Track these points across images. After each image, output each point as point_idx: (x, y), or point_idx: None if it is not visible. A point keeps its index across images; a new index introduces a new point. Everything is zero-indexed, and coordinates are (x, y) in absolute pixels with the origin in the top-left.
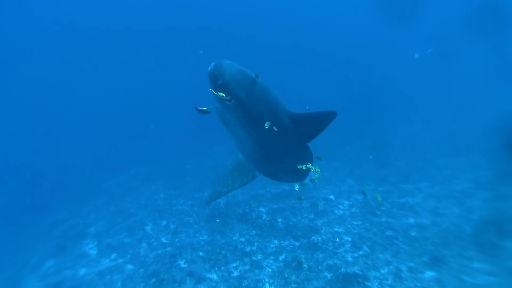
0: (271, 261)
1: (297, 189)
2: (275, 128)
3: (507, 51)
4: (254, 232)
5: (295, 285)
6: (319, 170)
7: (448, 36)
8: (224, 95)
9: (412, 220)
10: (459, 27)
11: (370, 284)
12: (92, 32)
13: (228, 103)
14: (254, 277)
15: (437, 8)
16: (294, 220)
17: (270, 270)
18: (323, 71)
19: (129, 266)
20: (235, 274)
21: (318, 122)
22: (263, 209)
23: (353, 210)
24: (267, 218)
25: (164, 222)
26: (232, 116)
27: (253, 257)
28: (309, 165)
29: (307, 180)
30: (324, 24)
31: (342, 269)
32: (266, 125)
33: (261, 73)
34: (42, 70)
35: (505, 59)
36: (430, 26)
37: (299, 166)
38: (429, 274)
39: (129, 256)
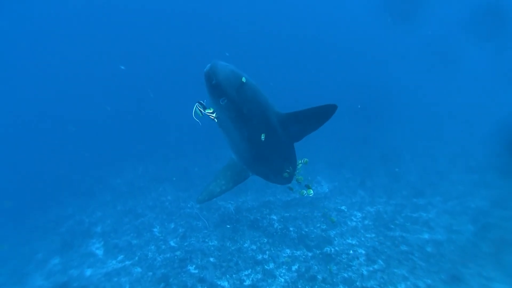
0: (283, 271)
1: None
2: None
3: (508, 54)
4: (266, 240)
5: None
6: (301, 165)
7: (450, 39)
8: (212, 112)
9: (426, 236)
10: (460, 29)
11: None
12: (102, 29)
13: (221, 103)
14: (267, 287)
15: (439, 11)
16: (307, 229)
17: (283, 280)
18: (329, 75)
19: (137, 269)
20: (247, 282)
21: (314, 118)
22: (274, 217)
23: (366, 222)
24: (279, 226)
25: (172, 225)
26: (225, 116)
27: (265, 266)
28: (289, 172)
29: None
30: (328, 27)
31: (358, 283)
32: (262, 137)
33: (262, 77)
34: (50, 67)
35: (507, 62)
36: (432, 29)
37: (285, 175)
38: None
39: (137, 258)
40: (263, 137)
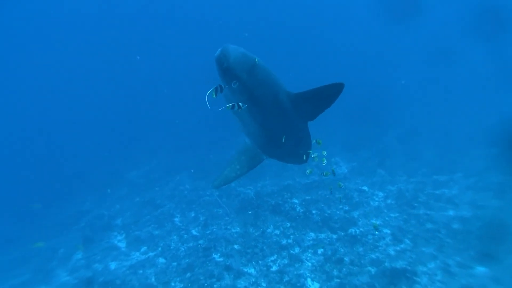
0: (309, 255)
1: (308, 173)
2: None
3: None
4: (289, 224)
5: (338, 280)
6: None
7: (448, 38)
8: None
9: (451, 213)
10: (459, 29)
11: (419, 279)
12: (118, 23)
13: (233, 86)
14: (295, 272)
15: (438, 11)
16: (329, 212)
17: (310, 264)
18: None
19: (161, 260)
20: (274, 268)
21: (323, 96)
22: (296, 201)
23: (389, 201)
24: (301, 210)
25: (192, 214)
26: (237, 100)
27: (291, 251)
28: (314, 154)
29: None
30: (328, 27)
31: (387, 263)
32: (283, 139)
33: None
34: (67, 64)
35: (506, 61)
36: (431, 29)
37: (313, 155)
38: (480, 269)
39: (160, 249)
40: (283, 139)
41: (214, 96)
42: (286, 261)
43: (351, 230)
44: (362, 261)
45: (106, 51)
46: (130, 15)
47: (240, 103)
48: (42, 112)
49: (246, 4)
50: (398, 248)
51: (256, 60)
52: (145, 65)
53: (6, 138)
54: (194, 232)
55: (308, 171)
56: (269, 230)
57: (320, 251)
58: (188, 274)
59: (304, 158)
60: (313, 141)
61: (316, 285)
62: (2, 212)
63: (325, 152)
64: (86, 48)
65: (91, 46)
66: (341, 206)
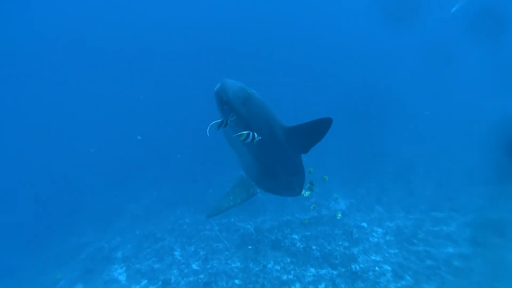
0: None
1: (307, 195)
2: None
3: (506, 53)
4: (289, 259)
5: None
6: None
7: (447, 39)
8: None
9: (451, 250)
10: (458, 30)
11: None
12: (116, 50)
13: (230, 119)
14: None
15: (436, 12)
16: (329, 248)
17: None
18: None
19: None
20: None
21: (313, 131)
22: (296, 236)
23: (388, 238)
24: (301, 246)
25: (192, 248)
26: (235, 132)
27: (292, 286)
28: (307, 193)
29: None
30: (328, 29)
31: None
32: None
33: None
34: (62, 90)
35: (504, 62)
36: (430, 30)
37: (306, 195)
38: None
39: (160, 283)
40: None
41: (216, 129)
42: None
43: (352, 266)
44: None
45: (107, 86)
46: (133, 57)
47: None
48: (44, 146)
49: (245, 5)
50: (399, 285)
51: (249, 92)
52: (147, 100)
53: (8, 170)
54: (194, 266)
55: (312, 207)
56: (269, 266)
57: (320, 287)
58: None
59: (297, 190)
60: (306, 172)
61: None
62: (3, 243)
63: (311, 169)
64: (87, 81)
65: (92, 79)
66: (340, 242)
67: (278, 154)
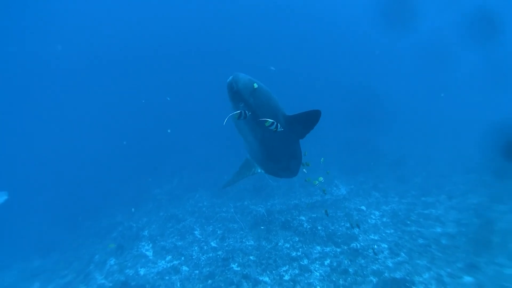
0: (317, 266)
1: (305, 171)
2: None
3: (499, 56)
4: (297, 238)
5: None
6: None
7: (443, 43)
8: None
9: (439, 230)
10: (454, 34)
11: None
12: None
13: (240, 107)
14: (305, 281)
15: (432, 16)
16: (333, 228)
17: (318, 274)
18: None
19: (185, 268)
20: (287, 277)
21: (308, 120)
22: (303, 218)
23: (384, 219)
24: (308, 226)
25: (211, 228)
26: (244, 120)
27: (301, 262)
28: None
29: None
30: (328, 31)
31: (386, 274)
32: (267, 123)
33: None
34: (100, 89)
35: (498, 64)
36: (426, 34)
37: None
38: (467, 279)
39: (183, 258)
40: (267, 123)
41: (237, 118)
42: (297, 271)
43: (353, 244)
44: (364, 272)
45: (140, 79)
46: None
47: (246, 111)
48: (87, 142)
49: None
50: (395, 261)
51: (255, 85)
52: (173, 100)
53: (55, 162)
54: (213, 244)
55: (315, 182)
56: (280, 244)
57: (326, 262)
58: (210, 281)
59: (294, 172)
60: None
61: None
62: (51, 223)
63: (305, 153)
64: (122, 73)
65: (127, 72)
66: (343, 223)
67: (280, 140)
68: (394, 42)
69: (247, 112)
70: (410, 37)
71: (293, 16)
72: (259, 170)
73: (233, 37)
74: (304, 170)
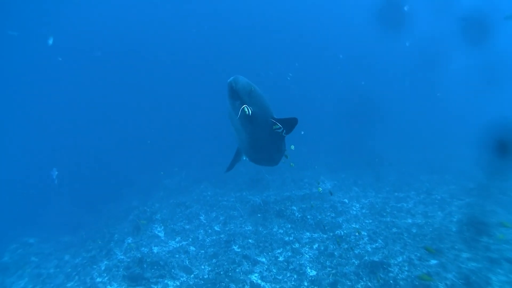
0: (307, 249)
1: (292, 148)
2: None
3: (490, 58)
4: (290, 225)
5: (330, 269)
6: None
7: (434, 46)
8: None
9: (410, 221)
10: (446, 37)
11: (392, 269)
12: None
13: (236, 104)
14: (297, 262)
15: (423, 22)
16: (320, 217)
17: (308, 256)
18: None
19: (192, 248)
20: (281, 258)
21: (288, 124)
22: (295, 208)
23: (364, 211)
24: (299, 215)
25: (214, 214)
26: (237, 115)
27: (293, 246)
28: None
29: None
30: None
31: (366, 257)
32: (241, 111)
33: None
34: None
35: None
36: (418, 38)
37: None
38: (433, 261)
39: (190, 239)
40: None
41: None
42: (289, 254)
43: (338, 232)
44: (348, 255)
45: (154, 79)
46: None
47: (249, 108)
48: (108, 137)
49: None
50: (373, 246)
51: (252, 88)
52: (185, 100)
53: (82, 154)
54: (216, 228)
55: (319, 189)
56: (274, 229)
57: (315, 246)
58: (214, 260)
59: (277, 162)
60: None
61: (314, 272)
62: (74, 205)
63: (292, 147)
64: (138, 71)
65: (143, 69)
66: (328, 213)
67: (267, 136)
68: (387, 44)
69: (250, 109)
70: (403, 39)
71: (285, 17)
72: (244, 158)
73: (242, 44)
74: (286, 156)
